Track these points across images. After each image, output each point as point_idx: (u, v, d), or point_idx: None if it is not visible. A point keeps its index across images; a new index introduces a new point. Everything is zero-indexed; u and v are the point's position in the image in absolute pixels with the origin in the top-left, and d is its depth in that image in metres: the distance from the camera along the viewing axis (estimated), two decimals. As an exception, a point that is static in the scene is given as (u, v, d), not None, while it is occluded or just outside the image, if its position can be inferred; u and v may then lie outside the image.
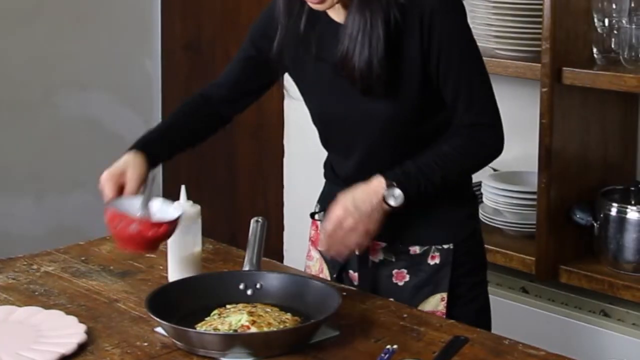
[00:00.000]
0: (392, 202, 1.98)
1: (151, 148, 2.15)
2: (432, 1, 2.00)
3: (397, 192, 1.99)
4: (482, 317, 2.18)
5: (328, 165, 2.25)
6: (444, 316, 2.10)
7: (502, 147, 2.09)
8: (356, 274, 2.18)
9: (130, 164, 2.09)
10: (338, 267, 2.21)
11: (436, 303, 2.13)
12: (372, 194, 1.98)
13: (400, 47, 2.01)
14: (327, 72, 2.08)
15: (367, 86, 2.01)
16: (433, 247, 2.13)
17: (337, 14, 2.07)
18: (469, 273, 2.17)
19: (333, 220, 1.97)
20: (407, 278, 2.14)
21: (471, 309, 2.16)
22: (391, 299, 2.08)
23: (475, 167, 2.14)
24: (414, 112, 2.05)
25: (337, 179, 2.19)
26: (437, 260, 2.13)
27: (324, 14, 2.07)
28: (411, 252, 2.14)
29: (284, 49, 2.12)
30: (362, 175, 2.04)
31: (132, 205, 1.99)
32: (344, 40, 2.00)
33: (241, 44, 2.32)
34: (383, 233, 2.09)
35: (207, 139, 2.32)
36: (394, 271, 2.15)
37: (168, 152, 2.22)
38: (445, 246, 2.13)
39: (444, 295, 2.13)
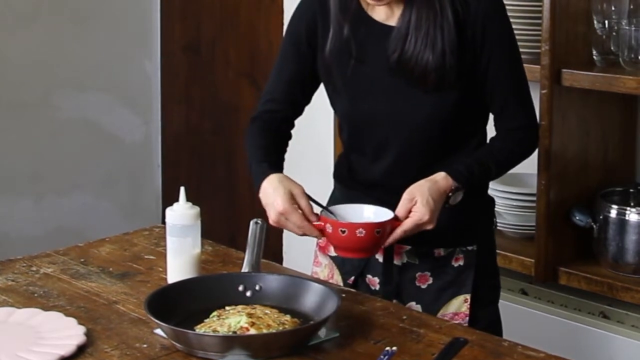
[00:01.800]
0: (451, 202, 2.03)
1: (280, 168, 2.11)
2: (486, 3, 2.04)
3: (460, 194, 2.03)
4: (498, 320, 2.20)
5: (344, 168, 2.23)
6: (467, 317, 2.12)
7: (538, 145, 2.20)
8: (375, 279, 2.18)
9: (287, 184, 2.02)
10: (354, 272, 2.20)
11: (459, 304, 2.13)
12: (443, 195, 2.00)
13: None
14: (367, 73, 2.09)
15: (440, 78, 2.02)
16: (457, 248, 2.14)
17: (380, 15, 2.08)
18: (488, 275, 2.19)
19: (417, 222, 1.96)
20: (431, 281, 2.15)
21: (490, 311, 2.19)
22: (412, 303, 2.08)
23: (516, 165, 2.20)
24: (450, 113, 2.07)
25: (355, 182, 2.18)
26: (461, 262, 2.14)
27: (367, 16, 2.08)
28: (435, 255, 2.14)
29: (332, 52, 2.12)
30: (389, 180, 2.05)
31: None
32: (408, 37, 2.02)
33: (241, 46, 2.31)
34: (408, 236, 2.09)
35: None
36: (417, 274, 2.15)
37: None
38: (470, 248, 2.14)
39: (467, 296, 2.13)
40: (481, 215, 2.20)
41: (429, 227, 1.97)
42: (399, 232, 1.97)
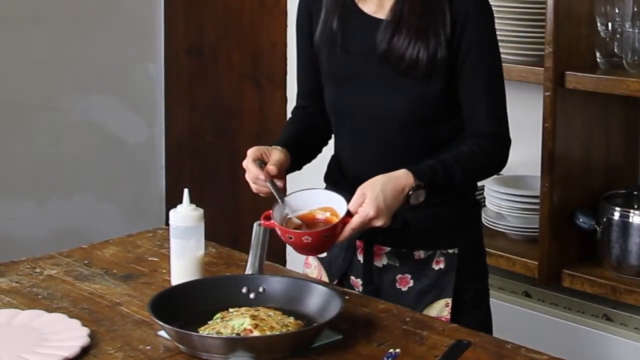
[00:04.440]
0: (413, 202, 1.98)
1: (291, 151, 2.15)
2: (469, 2, 2.05)
3: (422, 193, 1.98)
4: (484, 326, 2.17)
5: (334, 167, 2.24)
6: (449, 322, 2.09)
7: (506, 162, 2.14)
8: (358, 280, 2.18)
9: (278, 149, 2.11)
10: (339, 273, 2.20)
11: (440, 308, 2.13)
12: (400, 191, 1.96)
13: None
14: (352, 64, 2.10)
15: (428, 71, 2.02)
16: (438, 251, 2.13)
17: (370, 8, 2.10)
18: (472, 279, 2.17)
19: (363, 219, 1.94)
20: (411, 283, 2.14)
21: (474, 316, 2.16)
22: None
23: (485, 176, 2.19)
24: (432, 107, 2.07)
25: (343, 179, 2.18)
26: (441, 265, 2.13)
27: (357, 8, 2.10)
28: (416, 257, 2.14)
29: (319, 40, 2.15)
30: (373, 174, 2.04)
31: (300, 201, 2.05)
32: (397, 29, 2.03)
33: (245, 48, 2.34)
34: (387, 237, 2.09)
35: (322, 148, 2.30)
36: (398, 276, 2.15)
37: (297, 162, 2.20)
38: (450, 251, 2.13)
39: (449, 300, 2.12)
40: (464, 219, 2.18)
41: (379, 223, 1.94)
42: (347, 230, 1.95)
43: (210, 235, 2.21)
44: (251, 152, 2.10)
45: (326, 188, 2.23)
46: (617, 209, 2.70)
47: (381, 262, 2.15)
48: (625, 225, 2.67)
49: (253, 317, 1.82)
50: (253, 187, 2.11)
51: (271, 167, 2.06)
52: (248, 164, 2.09)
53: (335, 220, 1.97)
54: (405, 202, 1.97)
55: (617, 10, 2.68)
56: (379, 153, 2.11)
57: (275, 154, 2.10)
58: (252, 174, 2.08)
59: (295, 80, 2.30)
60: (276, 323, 1.81)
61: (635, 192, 2.75)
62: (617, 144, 2.88)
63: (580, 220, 2.76)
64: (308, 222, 2.02)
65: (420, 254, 2.13)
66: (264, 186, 2.07)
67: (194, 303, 1.91)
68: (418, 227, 2.10)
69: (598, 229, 2.73)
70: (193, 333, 1.77)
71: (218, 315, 1.86)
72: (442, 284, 2.13)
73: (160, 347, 1.81)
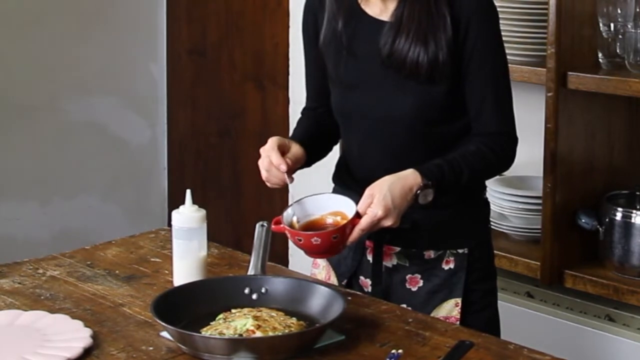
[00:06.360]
0: (421, 201, 1.99)
1: (305, 148, 2.16)
2: (473, 2, 2.05)
3: (430, 192, 1.99)
4: (492, 327, 2.18)
5: (342, 168, 2.24)
6: (458, 322, 2.10)
7: (514, 160, 2.14)
8: (368, 280, 2.18)
9: (296, 144, 2.12)
10: (348, 273, 2.20)
11: (450, 308, 2.13)
12: (408, 191, 1.97)
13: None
14: (357, 66, 2.11)
15: (430, 73, 2.03)
16: (448, 251, 2.13)
17: (374, 10, 2.10)
18: (481, 280, 2.17)
19: (372, 219, 1.95)
20: (421, 283, 2.14)
21: (482, 317, 2.16)
22: (403, 305, 2.08)
23: (493, 175, 2.19)
24: (438, 109, 2.07)
25: (352, 182, 2.18)
26: (451, 265, 2.13)
27: (360, 10, 2.10)
28: (426, 257, 2.14)
29: (325, 43, 2.16)
30: (380, 175, 2.05)
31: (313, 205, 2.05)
32: (399, 31, 2.03)
33: (247, 49, 2.34)
34: (397, 237, 2.09)
35: (332, 146, 2.31)
36: (408, 276, 2.15)
37: (309, 159, 2.20)
38: (460, 251, 2.13)
39: (458, 300, 2.13)
40: (473, 218, 2.19)
41: (388, 223, 1.95)
42: (356, 231, 1.96)
43: (213, 236, 2.21)
44: (274, 140, 2.08)
45: (335, 188, 2.24)
46: (620, 209, 2.70)
47: (391, 262, 2.15)
48: (627, 225, 2.67)
49: (255, 317, 1.82)
50: (264, 174, 2.08)
51: (287, 160, 2.06)
52: (271, 151, 2.06)
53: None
54: (413, 201, 1.98)
55: (619, 11, 2.68)
56: (386, 154, 2.11)
57: (295, 148, 2.10)
58: (275, 162, 2.05)
59: (298, 81, 2.31)
60: (279, 324, 1.81)
61: (638, 193, 2.74)
62: (619, 145, 2.88)
63: (583, 220, 2.76)
64: (319, 227, 2.02)
65: (430, 253, 2.14)
66: (275, 176, 2.07)
67: (197, 304, 1.91)
68: (428, 227, 2.10)
69: (600, 229, 2.73)
70: (195, 334, 1.78)
71: (220, 316, 1.87)
72: (452, 284, 2.13)
73: (163, 348, 1.82)
